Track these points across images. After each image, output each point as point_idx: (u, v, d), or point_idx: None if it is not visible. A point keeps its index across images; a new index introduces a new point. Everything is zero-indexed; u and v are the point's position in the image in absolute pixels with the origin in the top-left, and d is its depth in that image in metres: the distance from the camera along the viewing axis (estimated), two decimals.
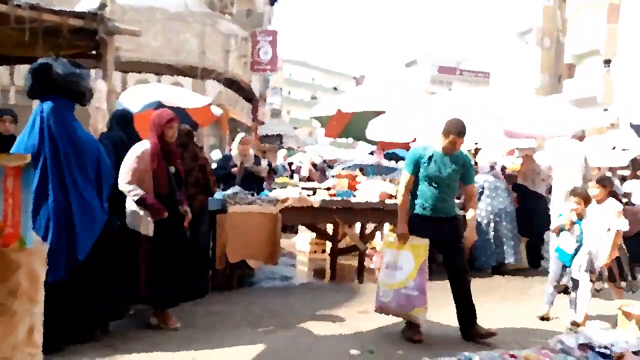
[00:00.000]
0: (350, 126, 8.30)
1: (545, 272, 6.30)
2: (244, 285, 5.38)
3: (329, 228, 6.39)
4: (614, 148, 10.83)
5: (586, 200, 4.24)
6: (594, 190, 4.23)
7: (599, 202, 4.21)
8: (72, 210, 3.14)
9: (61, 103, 3.25)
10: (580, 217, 4.28)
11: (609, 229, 4.05)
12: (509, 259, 6.16)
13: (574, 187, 4.58)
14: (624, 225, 4.06)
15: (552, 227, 4.65)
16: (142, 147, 3.68)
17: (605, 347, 3.36)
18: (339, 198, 5.72)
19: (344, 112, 7.74)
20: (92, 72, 4.04)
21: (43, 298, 2.14)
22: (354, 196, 5.91)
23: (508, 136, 6.52)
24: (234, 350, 3.37)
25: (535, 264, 6.59)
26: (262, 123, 21.51)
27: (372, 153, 11.97)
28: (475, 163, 6.86)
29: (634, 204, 7.68)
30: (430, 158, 3.70)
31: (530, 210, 6.58)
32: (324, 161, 14.75)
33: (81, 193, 3.18)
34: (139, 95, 6.38)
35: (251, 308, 4.36)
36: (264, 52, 17.45)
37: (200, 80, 13.84)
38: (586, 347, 3.41)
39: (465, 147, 7.72)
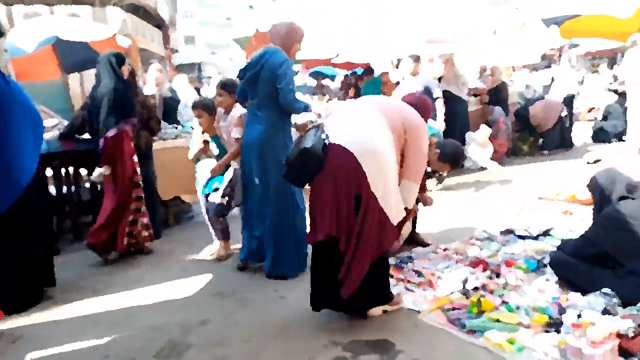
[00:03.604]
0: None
1: (466, 171, 6.77)
2: (181, 221, 5.32)
3: None
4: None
5: (208, 111, 3.80)
6: (217, 98, 3.73)
7: (226, 110, 3.74)
8: None
9: None
10: (214, 133, 3.85)
11: (236, 139, 3.61)
12: None
13: (197, 100, 4.03)
14: (238, 133, 3.57)
15: (189, 156, 4.02)
16: None
17: (524, 230, 3.74)
18: None
19: (262, 31, 7.39)
20: None
21: None
22: None
23: (429, 43, 6.60)
24: (184, 282, 3.40)
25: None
26: (176, 51, 20.17)
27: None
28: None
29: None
30: None
31: (453, 113, 6.86)
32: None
33: None
34: (31, 32, 5.67)
35: (193, 242, 4.36)
36: None
37: (99, 8, 12.50)
38: (507, 232, 3.79)
39: (388, 59, 7.72)
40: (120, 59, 3.98)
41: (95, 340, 2.66)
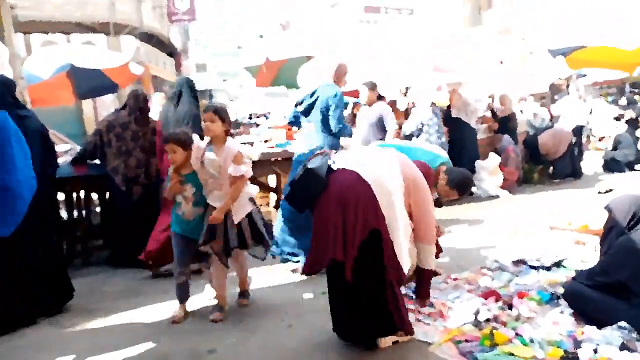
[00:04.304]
0: (281, 74, 8.11)
1: (477, 199, 6.74)
2: None
3: (271, 180, 6.36)
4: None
5: (183, 146, 3.14)
6: (207, 124, 3.12)
7: (213, 140, 3.16)
8: None
9: None
10: (191, 170, 3.18)
11: (235, 177, 3.10)
12: None
13: (170, 133, 3.29)
14: (238, 170, 3.10)
15: (165, 194, 3.34)
16: None
17: (536, 260, 3.68)
18: (279, 149, 5.66)
19: (272, 60, 7.54)
20: None
21: None
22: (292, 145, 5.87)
23: (436, 71, 6.69)
24: (192, 309, 3.36)
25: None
26: None
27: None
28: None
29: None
30: None
31: (463, 140, 6.90)
32: (250, 117, 14.09)
33: None
34: (47, 59, 5.84)
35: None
36: (180, 1, 16.40)
37: (114, 37, 12.85)
38: (519, 262, 3.73)
39: (396, 87, 7.83)
40: (194, 84, 4.49)
41: None
